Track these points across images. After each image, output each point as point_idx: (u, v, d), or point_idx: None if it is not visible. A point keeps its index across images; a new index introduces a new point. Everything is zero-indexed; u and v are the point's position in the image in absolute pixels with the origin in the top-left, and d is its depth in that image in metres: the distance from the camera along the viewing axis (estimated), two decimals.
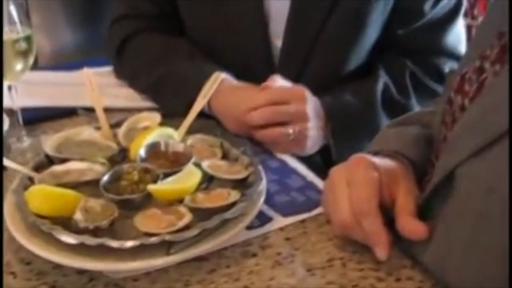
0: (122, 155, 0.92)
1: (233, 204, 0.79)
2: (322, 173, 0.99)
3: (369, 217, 0.76)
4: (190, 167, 0.85)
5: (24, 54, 0.98)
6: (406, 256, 0.79)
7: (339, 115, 1.08)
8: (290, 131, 1.01)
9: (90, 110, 1.10)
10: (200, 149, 0.94)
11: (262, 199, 0.84)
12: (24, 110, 1.09)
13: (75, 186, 0.82)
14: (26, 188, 0.83)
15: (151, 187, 0.78)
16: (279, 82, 1.05)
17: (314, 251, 0.81)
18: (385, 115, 1.12)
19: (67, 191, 0.79)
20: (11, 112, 1.08)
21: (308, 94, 1.04)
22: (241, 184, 0.86)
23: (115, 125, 1.11)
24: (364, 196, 0.77)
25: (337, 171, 0.82)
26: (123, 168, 0.84)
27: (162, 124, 0.98)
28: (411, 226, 0.75)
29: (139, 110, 1.18)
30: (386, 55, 1.19)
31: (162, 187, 0.79)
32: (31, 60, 0.99)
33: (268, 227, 0.85)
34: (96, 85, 1.00)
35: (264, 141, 1.04)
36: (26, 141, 1.07)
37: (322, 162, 1.10)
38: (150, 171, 0.83)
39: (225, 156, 0.93)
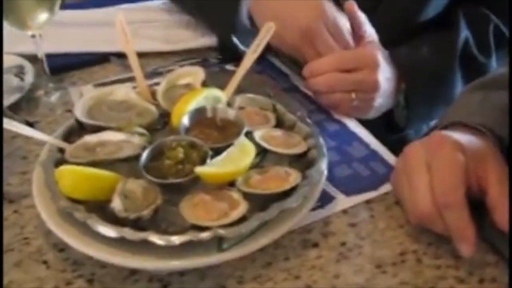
0: (162, 121, 0.79)
1: (293, 189, 0.67)
2: (381, 137, 0.87)
3: (454, 209, 0.63)
4: (242, 141, 0.72)
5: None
6: (489, 250, 0.68)
7: (415, 75, 0.92)
8: (353, 96, 0.87)
9: (123, 56, 0.97)
10: (250, 112, 0.81)
11: (324, 179, 0.72)
12: (50, 57, 0.96)
13: (111, 162, 0.71)
14: (56, 162, 0.72)
15: (200, 170, 0.66)
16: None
17: (383, 241, 0.69)
18: (460, 74, 0.97)
19: (103, 173, 0.67)
20: (35, 60, 0.95)
21: (380, 58, 0.89)
22: (300, 160, 0.74)
23: (152, 74, 0.99)
24: (448, 185, 0.64)
25: (415, 151, 0.69)
26: (166, 143, 0.71)
27: (206, 83, 0.84)
28: None
29: (178, 53, 1.06)
30: (467, 5, 1.01)
31: (212, 170, 0.67)
32: (57, 7, 0.85)
33: (329, 209, 0.73)
34: (130, 34, 0.86)
35: (323, 103, 0.90)
36: (54, 95, 0.95)
37: (382, 125, 0.96)
38: (197, 146, 0.71)
39: (279, 123, 0.80)
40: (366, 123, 0.90)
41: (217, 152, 0.71)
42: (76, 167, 0.68)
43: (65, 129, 0.78)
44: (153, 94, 0.84)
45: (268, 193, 0.66)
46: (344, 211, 0.73)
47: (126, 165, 0.71)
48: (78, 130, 0.78)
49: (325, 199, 0.73)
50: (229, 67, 1.01)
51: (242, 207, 0.65)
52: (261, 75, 0.95)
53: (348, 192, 0.76)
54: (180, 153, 0.69)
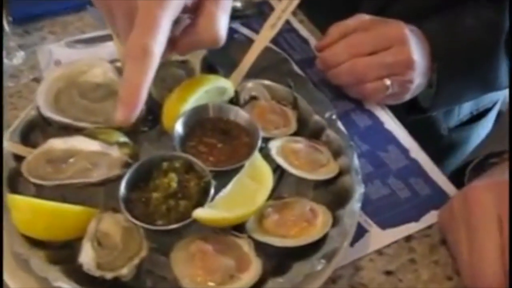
0: (150, 118, 0.59)
1: (323, 238, 0.50)
2: (399, 118, 0.71)
3: None
4: (256, 161, 0.53)
5: None
6: None
7: (449, 53, 0.71)
8: (388, 83, 0.67)
9: None
10: (264, 108, 0.61)
11: (357, 218, 0.55)
12: (12, 2, 0.73)
13: (82, 187, 0.52)
14: (10, 175, 0.53)
15: (200, 215, 0.48)
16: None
17: None
18: (506, 57, 0.75)
19: (70, 209, 0.48)
20: None
21: (408, 31, 0.68)
22: (328, 186, 0.56)
23: None
24: None
25: (483, 199, 0.50)
26: (154, 162, 0.52)
27: (207, 60, 0.63)
28: None
29: None
30: None
31: (216, 216, 0.48)
32: None
33: (361, 248, 0.56)
34: None
35: (352, 96, 0.70)
36: (18, 56, 0.73)
37: (401, 105, 0.76)
38: (196, 170, 0.52)
39: (301, 125, 0.61)
40: None
41: (222, 173, 0.53)
42: (34, 200, 0.49)
43: (24, 124, 0.58)
44: None
45: (290, 247, 0.49)
46: (379, 252, 0.57)
47: (101, 190, 0.53)
48: (41, 123, 0.58)
49: (356, 232, 0.55)
50: (234, 25, 0.79)
51: (254, 269, 0.47)
52: (278, 51, 0.73)
53: (383, 224, 0.58)
54: (172, 181, 0.50)
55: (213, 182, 0.50)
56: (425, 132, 0.73)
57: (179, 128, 0.55)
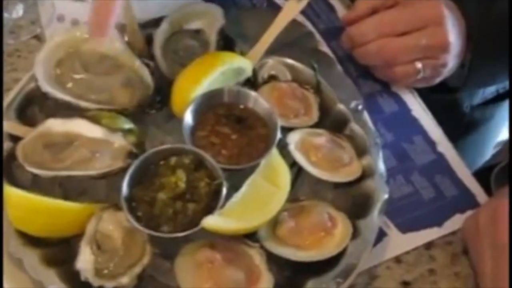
0: (159, 98, 0.53)
1: (342, 252, 0.45)
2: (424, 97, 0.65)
3: None
4: (274, 160, 0.47)
5: None
6: None
7: (487, 34, 0.63)
8: (419, 66, 0.60)
9: None
10: (284, 92, 0.54)
11: (377, 228, 0.49)
12: None
13: (82, 179, 0.47)
14: (5, 160, 0.48)
15: (210, 224, 0.43)
16: None
17: None
18: None
19: (67, 206, 0.44)
20: None
21: (445, 9, 0.60)
22: (348, 189, 0.51)
23: None
24: None
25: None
26: (161, 155, 0.47)
27: (224, 32, 0.57)
28: None
29: None
30: None
31: (227, 225, 0.43)
32: None
33: (378, 253, 0.51)
34: None
35: (380, 78, 0.63)
36: (17, 9, 0.66)
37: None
38: (206, 167, 0.47)
39: (323, 112, 0.55)
40: None
41: (235, 171, 0.48)
42: (30, 196, 0.44)
43: (21, 99, 0.52)
44: (149, 43, 0.56)
45: (303, 262, 0.44)
46: (397, 259, 0.52)
47: (103, 181, 0.48)
48: (39, 98, 0.52)
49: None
50: None
51: (265, 284, 0.43)
52: (302, 20, 0.65)
53: (404, 227, 0.53)
54: (180, 181, 0.45)
55: (225, 184, 0.45)
56: (445, 108, 0.67)
57: (188, 117, 0.49)
